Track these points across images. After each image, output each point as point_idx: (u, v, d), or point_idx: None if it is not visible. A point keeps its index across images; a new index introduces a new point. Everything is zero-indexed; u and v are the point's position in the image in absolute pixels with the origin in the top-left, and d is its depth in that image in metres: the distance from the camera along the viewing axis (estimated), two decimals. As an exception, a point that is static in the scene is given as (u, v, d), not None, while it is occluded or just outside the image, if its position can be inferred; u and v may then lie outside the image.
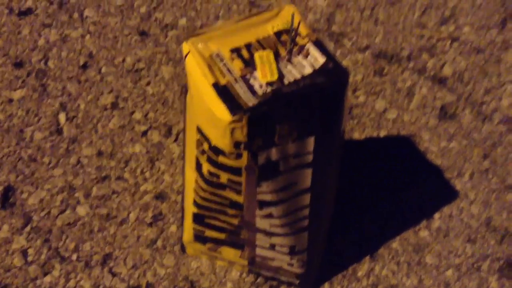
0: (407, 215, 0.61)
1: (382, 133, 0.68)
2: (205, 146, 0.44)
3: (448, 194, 0.63)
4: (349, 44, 0.78)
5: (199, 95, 0.43)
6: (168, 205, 0.63)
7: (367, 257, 0.58)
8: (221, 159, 0.44)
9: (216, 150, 0.43)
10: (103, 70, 0.76)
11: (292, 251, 0.51)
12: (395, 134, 0.68)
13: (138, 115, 0.71)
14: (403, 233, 0.60)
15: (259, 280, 0.57)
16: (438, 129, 0.68)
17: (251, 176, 0.44)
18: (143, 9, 0.83)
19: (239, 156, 0.43)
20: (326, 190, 0.49)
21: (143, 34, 0.80)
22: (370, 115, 0.70)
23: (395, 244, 0.59)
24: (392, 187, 0.64)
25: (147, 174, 0.65)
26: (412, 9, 0.83)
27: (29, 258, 0.59)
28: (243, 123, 0.40)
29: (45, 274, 0.58)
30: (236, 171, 0.44)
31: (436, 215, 0.61)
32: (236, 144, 0.42)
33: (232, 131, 0.41)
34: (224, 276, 0.58)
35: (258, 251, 0.53)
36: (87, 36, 0.80)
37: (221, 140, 0.42)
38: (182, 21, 0.81)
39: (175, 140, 0.69)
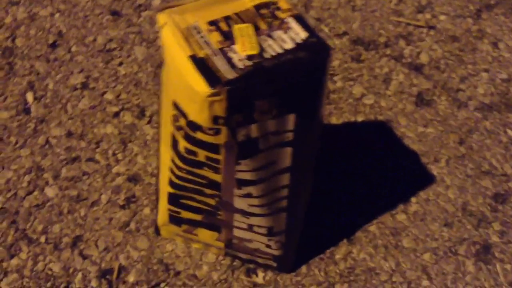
0: (384, 199, 0.61)
1: (360, 118, 0.68)
2: (182, 121, 0.43)
3: (424, 179, 0.63)
4: (326, 29, 0.78)
5: (175, 68, 0.41)
6: (142, 188, 0.61)
7: (345, 241, 0.58)
8: (199, 135, 0.42)
9: (194, 126, 0.42)
10: (73, 49, 0.73)
11: (270, 232, 0.50)
12: (372, 119, 0.68)
13: (109, 96, 0.69)
14: (380, 217, 0.60)
15: (235, 263, 0.56)
16: (415, 115, 0.68)
17: (230, 153, 0.43)
18: (116, -11, 0.80)
19: (217, 132, 0.41)
20: (305, 171, 0.48)
21: (115, 14, 0.77)
22: (347, 100, 0.70)
23: (372, 227, 0.59)
24: (369, 172, 0.63)
25: (119, 156, 0.63)
26: (389, -3, 0.82)
27: (-6, 241, 0.56)
28: (222, 97, 0.39)
29: (12, 257, 0.55)
30: (214, 148, 0.43)
31: (413, 199, 0.61)
32: (215, 119, 0.41)
33: (211, 105, 0.39)
34: (200, 259, 0.56)
35: (236, 232, 0.51)
36: (57, 15, 0.77)
37: (199, 115, 0.41)
38: (156, 1, 0.79)
39: (149, 122, 0.67)
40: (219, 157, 0.44)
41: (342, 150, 0.65)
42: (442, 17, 0.80)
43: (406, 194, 0.62)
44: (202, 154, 0.44)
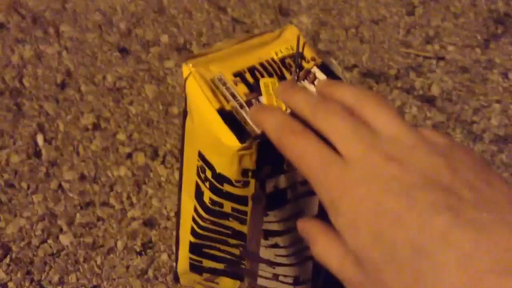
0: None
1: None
2: (208, 173, 0.42)
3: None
4: (335, 63, 0.77)
5: (202, 120, 0.40)
6: (158, 232, 0.60)
7: None
8: (226, 187, 0.41)
9: (221, 178, 0.41)
10: (82, 88, 0.72)
11: (296, 282, 0.49)
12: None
13: (121, 136, 0.68)
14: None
15: (257, 310, 0.55)
16: (431, 149, 0.68)
17: (258, 205, 0.42)
18: (122, 25, 0.80)
19: (246, 184, 0.40)
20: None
21: (123, 50, 0.77)
22: (361, 135, 0.69)
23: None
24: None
25: (134, 199, 0.62)
26: (396, 28, 0.83)
27: (9, 293, 0.55)
28: (252, 150, 0.38)
29: (27, 311, 0.54)
30: (241, 200, 0.42)
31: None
32: (244, 172, 0.40)
33: (241, 159, 0.39)
34: (221, 307, 0.55)
35: (260, 281, 0.50)
36: (64, 52, 0.76)
37: (228, 168, 0.40)
38: (164, 38, 0.79)
39: (162, 163, 0.66)
40: (246, 208, 0.43)
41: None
42: (451, 48, 0.80)
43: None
44: (228, 206, 0.43)
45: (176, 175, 0.65)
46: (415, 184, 0.27)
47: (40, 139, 0.67)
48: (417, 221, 0.26)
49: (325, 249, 0.32)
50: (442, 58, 0.78)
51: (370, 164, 0.29)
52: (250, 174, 0.40)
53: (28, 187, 0.62)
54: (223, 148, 0.39)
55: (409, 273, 0.25)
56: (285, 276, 0.49)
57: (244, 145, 0.38)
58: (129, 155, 0.66)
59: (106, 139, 0.67)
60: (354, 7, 0.85)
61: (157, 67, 0.75)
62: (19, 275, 0.56)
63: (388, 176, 0.28)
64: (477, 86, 0.75)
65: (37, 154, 0.65)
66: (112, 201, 0.62)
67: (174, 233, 0.60)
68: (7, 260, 0.57)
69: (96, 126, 0.68)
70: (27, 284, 0.55)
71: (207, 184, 0.43)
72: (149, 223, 0.60)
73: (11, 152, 0.65)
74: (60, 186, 0.63)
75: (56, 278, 0.56)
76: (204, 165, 0.42)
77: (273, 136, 0.35)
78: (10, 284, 0.55)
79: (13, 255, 0.57)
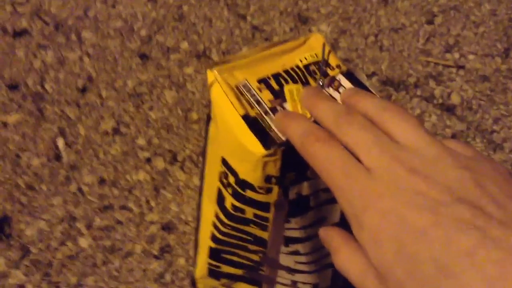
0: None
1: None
2: (231, 179, 0.42)
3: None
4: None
5: (227, 126, 0.41)
6: (176, 237, 0.60)
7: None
8: (249, 193, 0.41)
9: (244, 184, 0.41)
10: (103, 93, 0.73)
11: (315, 289, 0.49)
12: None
13: (141, 141, 0.68)
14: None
15: (275, 317, 0.54)
16: (451, 159, 0.67)
17: (280, 211, 0.42)
18: (143, 32, 0.81)
19: (269, 191, 0.41)
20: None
21: (144, 57, 0.77)
22: (380, 143, 0.69)
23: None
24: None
25: (153, 203, 0.62)
26: (416, 37, 0.82)
27: (28, 295, 0.55)
28: (277, 157, 0.38)
29: (46, 313, 0.54)
30: (264, 206, 0.42)
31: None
32: (268, 178, 0.40)
33: (265, 165, 0.39)
34: (238, 313, 0.55)
35: (278, 288, 0.50)
36: (86, 58, 0.77)
37: (251, 174, 0.40)
38: (184, 45, 0.79)
39: (181, 168, 0.66)
40: (268, 215, 0.43)
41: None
42: (471, 57, 0.80)
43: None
44: (250, 212, 0.43)
45: (195, 180, 0.65)
46: (441, 199, 0.27)
47: (61, 142, 0.67)
48: (442, 238, 0.25)
49: (347, 260, 0.32)
50: (462, 67, 0.78)
51: (394, 176, 0.29)
52: (273, 180, 0.40)
53: (48, 190, 0.63)
54: (247, 154, 0.39)
55: None
56: (304, 283, 0.48)
57: (268, 151, 0.38)
58: (148, 160, 0.66)
59: (126, 144, 0.68)
60: (373, 16, 0.85)
61: (177, 73, 0.76)
62: (37, 276, 0.56)
63: (412, 190, 0.28)
64: (497, 95, 0.75)
65: (58, 157, 0.66)
66: (131, 205, 0.62)
67: (192, 237, 0.60)
68: (25, 261, 0.57)
69: (116, 131, 0.69)
70: (45, 286, 0.55)
71: (229, 190, 0.43)
72: (167, 227, 0.61)
73: (32, 155, 0.66)
74: (79, 189, 0.63)
75: (74, 280, 0.56)
76: (227, 171, 0.42)
77: (297, 143, 0.35)
78: (29, 286, 0.55)
79: (32, 257, 0.57)
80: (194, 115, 0.71)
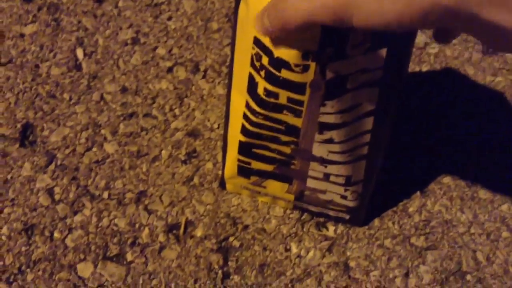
0: (459, 149, 0.59)
1: (425, 68, 0.65)
2: (264, 60, 0.40)
3: (497, 126, 0.60)
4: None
5: (260, 3, 0.38)
6: (202, 142, 0.59)
7: (418, 193, 0.55)
8: (284, 73, 0.40)
9: (279, 63, 0.39)
10: (119, 4, 0.71)
11: (347, 182, 0.48)
12: (438, 69, 0.65)
13: (161, 51, 0.66)
14: (454, 169, 0.57)
15: (304, 216, 0.54)
16: (482, 64, 0.65)
17: (316, 93, 0.41)
18: None
19: (305, 68, 0.39)
20: (388, 116, 0.45)
21: (160, -32, 0.74)
22: (408, 50, 0.67)
23: (446, 179, 0.56)
24: (438, 123, 0.61)
25: (177, 111, 0.61)
26: None
27: (56, 197, 0.55)
28: (316, 30, 0.36)
29: (76, 213, 0.54)
30: (299, 87, 0.40)
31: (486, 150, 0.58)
32: (305, 54, 0.38)
33: (302, 40, 0.37)
34: (268, 212, 0.54)
35: (309, 183, 0.49)
36: (100, -29, 0.74)
37: (287, 50, 0.38)
38: (202, -45, 0.76)
39: (203, 77, 0.64)
40: (303, 98, 0.41)
41: (410, 100, 0.62)
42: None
43: (481, 144, 0.59)
44: (284, 96, 0.42)
45: (219, 89, 0.63)
46: None
47: (80, 53, 0.66)
48: None
49: None
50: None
51: None
52: (311, 56, 0.38)
53: (70, 98, 0.62)
54: (283, 27, 0.37)
55: None
56: (336, 175, 0.47)
57: (306, 22, 0.36)
58: (170, 69, 0.65)
59: (146, 54, 0.66)
60: None
61: (195, -17, 0.73)
62: (65, 180, 0.56)
63: None
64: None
65: (78, 67, 0.65)
66: (155, 112, 0.61)
67: (219, 143, 0.59)
68: (52, 166, 0.57)
69: (135, 41, 0.67)
70: (73, 189, 0.55)
71: (262, 72, 0.41)
72: (192, 134, 0.60)
73: (51, 64, 0.65)
74: (102, 97, 0.62)
75: (102, 184, 0.56)
76: (260, 51, 0.40)
77: None
78: (57, 189, 0.55)
79: (58, 162, 0.57)
80: (214, 25, 0.69)
